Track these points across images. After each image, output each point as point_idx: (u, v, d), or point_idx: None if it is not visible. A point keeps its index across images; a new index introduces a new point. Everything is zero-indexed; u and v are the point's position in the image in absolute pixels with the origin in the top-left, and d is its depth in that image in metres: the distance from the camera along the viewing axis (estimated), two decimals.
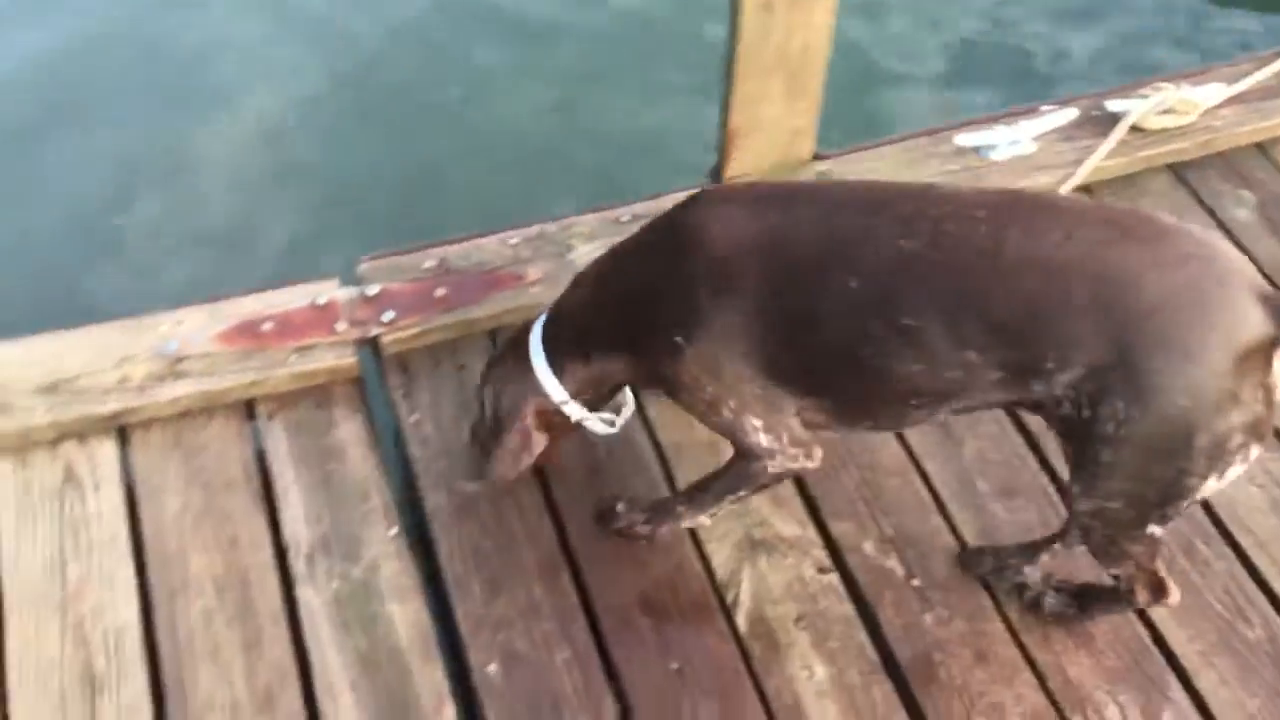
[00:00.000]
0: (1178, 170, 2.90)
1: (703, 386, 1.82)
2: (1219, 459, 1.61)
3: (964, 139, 2.86)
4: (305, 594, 2.09)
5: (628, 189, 2.77)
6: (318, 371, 2.37)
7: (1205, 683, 2.04)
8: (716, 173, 2.75)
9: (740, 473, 1.96)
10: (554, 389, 1.96)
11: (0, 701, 1.94)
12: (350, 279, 2.52)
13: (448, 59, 3.78)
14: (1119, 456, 1.63)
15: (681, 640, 2.07)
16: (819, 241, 1.70)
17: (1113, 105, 2.90)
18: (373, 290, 2.48)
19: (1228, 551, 2.20)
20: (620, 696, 2.00)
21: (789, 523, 2.22)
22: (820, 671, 2.04)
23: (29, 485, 2.21)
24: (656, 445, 2.32)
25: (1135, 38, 3.97)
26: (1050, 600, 2.07)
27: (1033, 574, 2.08)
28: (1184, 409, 1.55)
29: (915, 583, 2.14)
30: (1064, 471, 1.79)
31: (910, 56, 3.90)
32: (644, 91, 3.73)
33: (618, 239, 1.96)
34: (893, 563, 2.17)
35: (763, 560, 2.17)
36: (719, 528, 2.18)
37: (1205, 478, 1.64)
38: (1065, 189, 2.77)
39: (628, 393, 2.12)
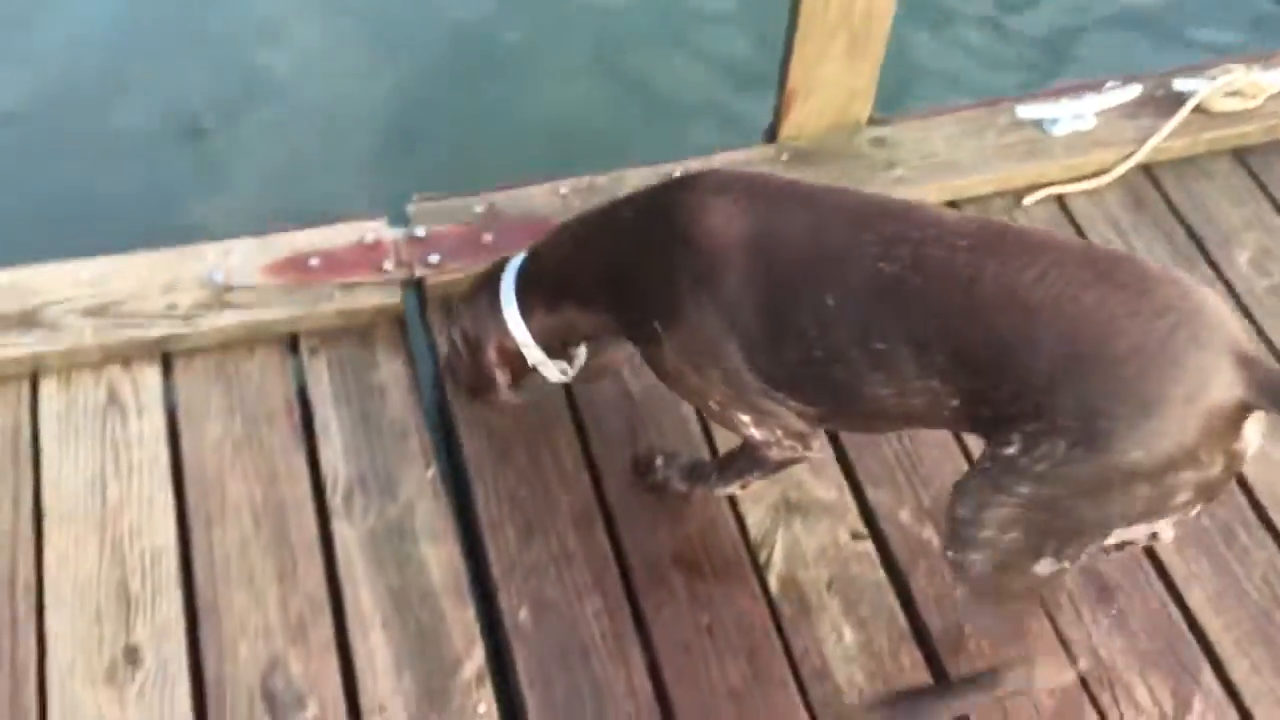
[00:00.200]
0: (1241, 155, 2.85)
1: (686, 377, 1.83)
2: (1157, 512, 1.56)
3: (1025, 111, 2.81)
4: (341, 529, 2.10)
5: (681, 147, 2.74)
6: (362, 310, 2.37)
7: (1238, 671, 2.02)
8: (772, 132, 2.72)
9: (750, 457, 1.97)
10: (520, 331, 1.98)
11: (37, 614, 1.97)
12: (399, 219, 2.51)
13: (512, 5, 3.76)
14: (1038, 492, 1.55)
15: (712, 597, 2.07)
16: (803, 251, 1.69)
17: (1179, 84, 2.84)
18: (420, 232, 2.48)
19: (1268, 540, 2.18)
20: (648, 649, 2.00)
21: (825, 487, 2.21)
22: (849, 636, 2.03)
23: (73, 405, 2.22)
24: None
25: (1205, 18, 3.88)
26: None
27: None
28: (1134, 460, 1.49)
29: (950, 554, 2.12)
30: None
31: (970, 23, 3.84)
32: (700, 49, 3.68)
33: None
34: (929, 533, 2.15)
35: (797, 523, 2.17)
36: (754, 488, 2.16)
37: (1133, 523, 1.59)
38: (1125, 168, 2.73)
39: (582, 346, 2.12)
